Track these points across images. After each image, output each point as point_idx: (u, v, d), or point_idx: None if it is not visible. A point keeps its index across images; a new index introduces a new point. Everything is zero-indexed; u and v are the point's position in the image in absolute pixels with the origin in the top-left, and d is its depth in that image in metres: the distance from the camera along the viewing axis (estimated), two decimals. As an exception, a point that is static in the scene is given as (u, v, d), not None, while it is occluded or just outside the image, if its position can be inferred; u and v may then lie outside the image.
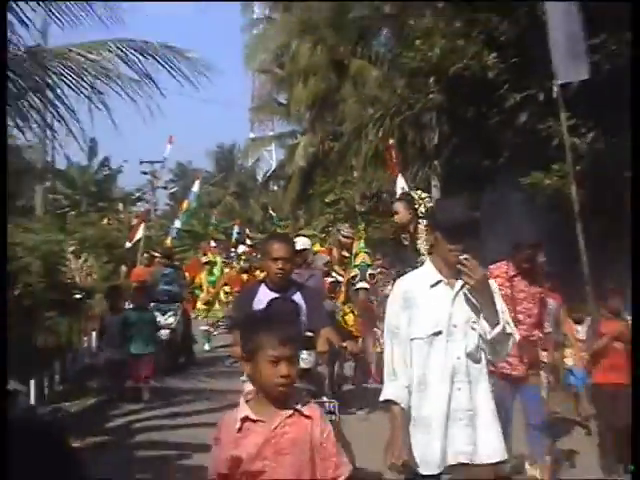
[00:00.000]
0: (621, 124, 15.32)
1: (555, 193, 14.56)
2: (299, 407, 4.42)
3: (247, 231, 51.55)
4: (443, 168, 21.21)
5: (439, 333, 5.54)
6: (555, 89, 11.91)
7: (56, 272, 20.91)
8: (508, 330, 5.61)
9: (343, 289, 14.16)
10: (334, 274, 14.62)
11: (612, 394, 10.35)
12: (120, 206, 49.05)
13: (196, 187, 31.59)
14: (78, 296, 22.11)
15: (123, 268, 27.00)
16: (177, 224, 29.41)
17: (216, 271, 26.19)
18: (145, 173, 54.11)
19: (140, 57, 9.60)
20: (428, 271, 5.77)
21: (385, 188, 30.43)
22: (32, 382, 13.88)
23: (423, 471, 5.48)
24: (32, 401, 13.76)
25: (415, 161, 23.61)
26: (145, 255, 24.20)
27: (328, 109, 40.86)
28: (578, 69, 11.34)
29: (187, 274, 24.16)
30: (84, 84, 9.49)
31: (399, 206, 10.78)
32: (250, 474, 4.31)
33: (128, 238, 27.31)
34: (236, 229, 44.77)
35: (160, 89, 9.63)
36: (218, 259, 27.86)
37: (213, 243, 37.87)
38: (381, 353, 11.79)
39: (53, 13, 10.13)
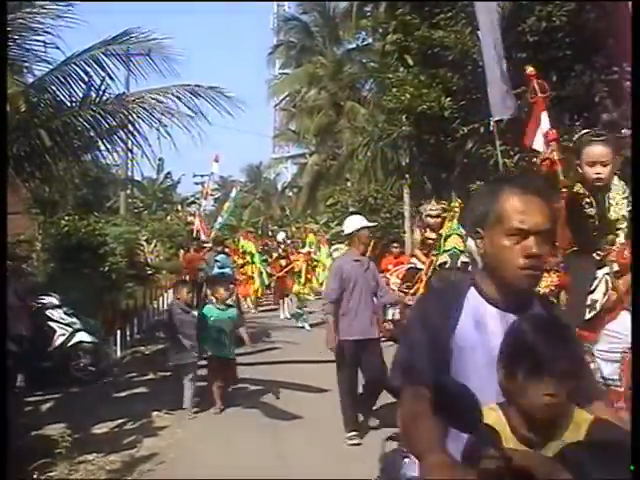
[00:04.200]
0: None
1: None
2: None
3: (269, 225, 51.76)
4: (413, 180, 21.26)
5: None
6: (492, 123, 11.95)
7: (134, 254, 21.01)
8: None
9: (424, 278, 8.99)
10: (413, 259, 9.97)
11: None
12: (179, 207, 49.18)
13: (233, 193, 31.63)
14: (149, 272, 22.22)
15: (181, 252, 27.00)
16: (220, 220, 29.36)
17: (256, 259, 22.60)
18: (197, 183, 54.38)
19: (193, 96, 9.63)
20: None
21: (371, 194, 30.59)
22: (118, 332, 13.99)
23: None
24: (118, 346, 13.89)
25: (392, 175, 23.72)
26: (194, 242, 21.84)
27: (329, 137, 40.91)
28: (508, 109, 11.37)
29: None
30: (154, 119, 9.53)
31: (600, 151, 5.24)
32: None
33: (200, 233, 25.19)
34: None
35: (208, 121, 9.67)
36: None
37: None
38: None
39: (131, 70, 10.27)
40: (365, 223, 8.72)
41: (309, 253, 20.99)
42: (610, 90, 14.84)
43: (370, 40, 32.77)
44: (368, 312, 8.44)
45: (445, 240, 8.47)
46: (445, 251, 8.42)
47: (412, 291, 9.17)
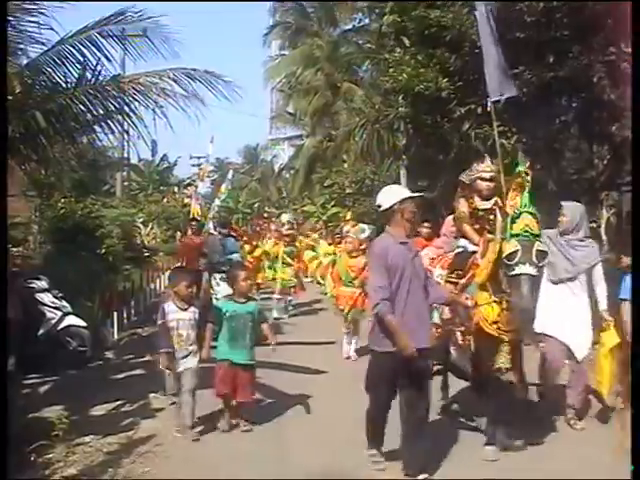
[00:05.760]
0: (535, 129, 15.39)
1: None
2: None
3: (265, 207, 51.72)
4: (409, 162, 21.22)
5: None
6: (489, 104, 11.89)
7: (130, 237, 21.03)
8: None
9: (483, 263, 6.88)
10: (462, 241, 7.86)
11: None
12: (175, 189, 49.16)
13: (230, 175, 31.44)
14: (146, 254, 22.23)
15: (178, 234, 27.00)
16: (217, 202, 29.26)
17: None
18: (194, 165, 54.47)
19: (190, 80, 9.58)
20: None
21: (368, 176, 30.58)
22: (115, 315, 13.97)
23: None
24: (115, 328, 13.86)
25: (389, 157, 23.70)
26: (193, 223, 18.89)
27: (325, 118, 40.85)
28: (506, 89, 11.31)
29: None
30: (150, 101, 9.48)
31: None
32: None
33: (192, 213, 21.80)
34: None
35: (204, 103, 9.61)
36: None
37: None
38: None
39: (128, 50, 10.19)
40: (408, 193, 6.64)
41: (280, 232, 18.71)
42: (608, 71, 14.78)
43: (366, 21, 32.73)
44: (421, 313, 6.49)
45: (513, 222, 6.33)
46: (514, 236, 6.26)
47: (464, 281, 7.28)
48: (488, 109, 12.09)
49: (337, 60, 38.53)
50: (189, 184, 51.00)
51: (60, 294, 11.52)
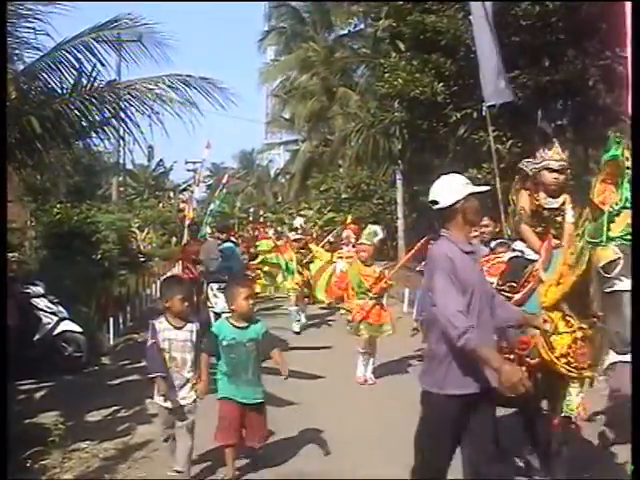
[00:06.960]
0: (530, 134, 15.44)
1: (484, 184, 14.68)
2: None
3: (261, 212, 51.75)
4: (405, 166, 21.27)
5: None
6: (484, 109, 11.92)
7: (126, 242, 21.01)
8: None
9: (550, 277, 5.46)
10: (519, 244, 6.20)
11: None
12: (171, 194, 49.21)
13: (225, 180, 31.59)
14: (142, 259, 22.22)
15: (173, 239, 27.01)
16: (212, 207, 29.32)
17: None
18: (189, 170, 54.46)
19: (185, 87, 9.59)
20: None
21: (363, 181, 30.63)
22: (111, 320, 13.94)
23: None
24: (111, 333, 13.83)
25: (384, 161, 23.76)
26: (194, 227, 18.50)
27: (321, 123, 40.88)
28: (500, 94, 11.36)
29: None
30: (145, 107, 9.48)
31: None
32: None
33: (187, 218, 21.90)
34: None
35: (199, 110, 9.62)
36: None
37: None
38: None
39: (124, 57, 10.22)
40: (471, 188, 4.84)
41: (294, 240, 17.02)
42: (603, 75, 14.85)
43: (362, 26, 32.84)
44: (492, 343, 4.98)
45: (610, 220, 4.59)
46: (611, 239, 4.55)
47: (519, 297, 5.75)
48: (483, 114, 12.16)
49: (332, 65, 38.52)
50: (185, 189, 51.09)
51: (56, 299, 11.49)
